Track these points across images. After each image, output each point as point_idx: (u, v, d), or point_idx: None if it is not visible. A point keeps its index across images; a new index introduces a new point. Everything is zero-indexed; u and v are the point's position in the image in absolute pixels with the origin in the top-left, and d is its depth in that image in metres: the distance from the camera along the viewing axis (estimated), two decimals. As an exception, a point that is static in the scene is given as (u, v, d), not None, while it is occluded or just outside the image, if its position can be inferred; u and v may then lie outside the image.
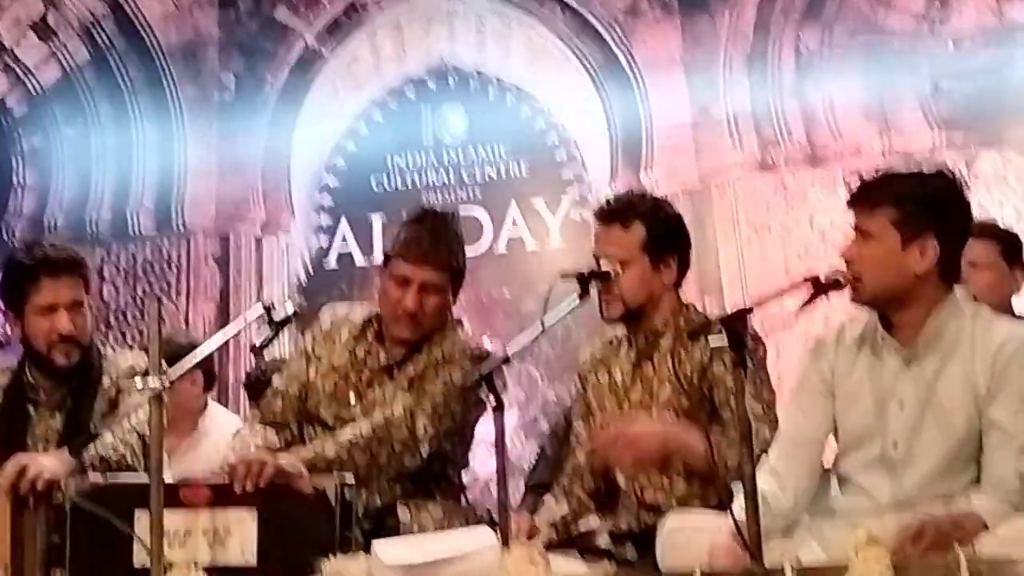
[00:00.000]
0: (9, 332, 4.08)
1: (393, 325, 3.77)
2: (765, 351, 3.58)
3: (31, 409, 3.84)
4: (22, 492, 3.29)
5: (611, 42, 7.08)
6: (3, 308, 3.97)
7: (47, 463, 3.37)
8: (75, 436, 3.71)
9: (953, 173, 3.19)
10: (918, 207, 3.07)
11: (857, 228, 3.12)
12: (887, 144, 6.65)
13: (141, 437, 3.61)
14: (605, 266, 3.59)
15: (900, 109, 6.68)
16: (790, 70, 6.89)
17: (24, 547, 3.27)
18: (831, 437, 3.26)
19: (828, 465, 3.29)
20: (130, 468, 3.57)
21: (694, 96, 6.93)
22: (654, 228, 3.65)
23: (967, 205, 3.16)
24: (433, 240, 3.77)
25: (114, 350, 3.97)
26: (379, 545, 3.04)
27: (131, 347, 4.81)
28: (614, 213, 3.69)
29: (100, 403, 3.81)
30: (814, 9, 6.93)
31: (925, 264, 3.06)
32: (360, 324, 3.87)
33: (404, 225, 3.86)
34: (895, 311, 3.12)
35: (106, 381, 3.84)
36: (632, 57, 7.03)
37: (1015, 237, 4.37)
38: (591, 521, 3.59)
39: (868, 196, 3.13)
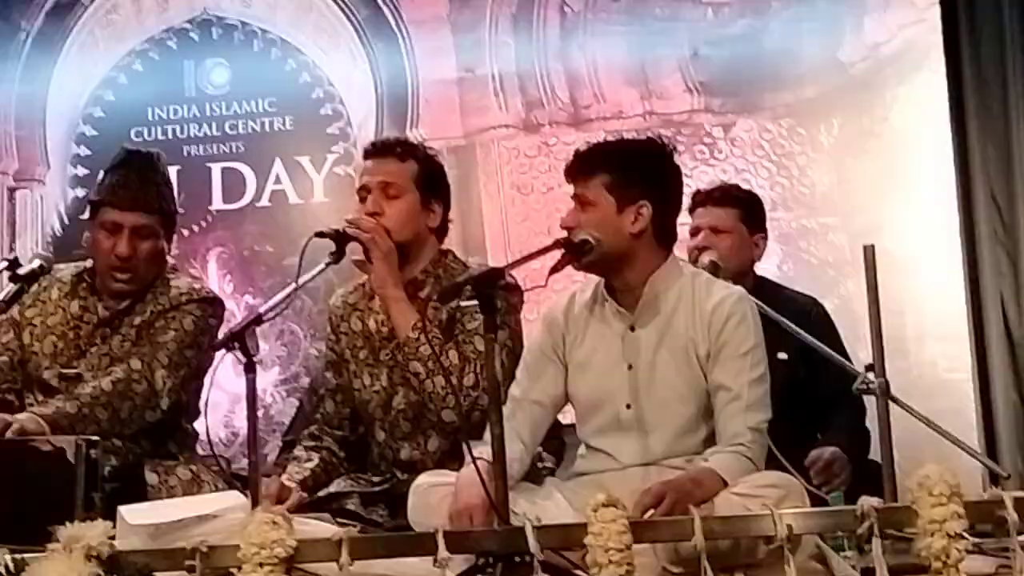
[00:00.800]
0: None
1: (107, 276, 3.70)
2: (521, 300, 3.62)
3: None
4: None
5: (378, -1, 7.05)
6: None
7: None
8: None
9: (664, 141, 3.35)
10: (630, 173, 3.22)
11: (576, 197, 3.24)
12: (648, 107, 6.76)
13: None
14: (374, 198, 3.58)
15: (661, 73, 6.79)
16: (555, 32, 6.94)
17: None
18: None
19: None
20: None
21: (460, 56, 6.93)
22: (426, 168, 3.69)
23: (677, 171, 3.33)
24: (141, 183, 3.72)
25: None
26: (124, 509, 2.99)
27: None
28: (389, 147, 3.72)
29: None
30: (579, -29, 6.99)
31: (639, 226, 3.18)
32: (70, 281, 3.78)
33: (109, 171, 3.80)
34: (616, 275, 3.23)
35: None
36: (399, 14, 6.99)
37: (756, 202, 4.51)
38: (341, 483, 3.60)
39: (584, 165, 3.26)
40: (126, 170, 3.75)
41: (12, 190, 7.04)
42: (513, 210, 6.75)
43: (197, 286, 3.86)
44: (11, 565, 2.32)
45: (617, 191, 3.21)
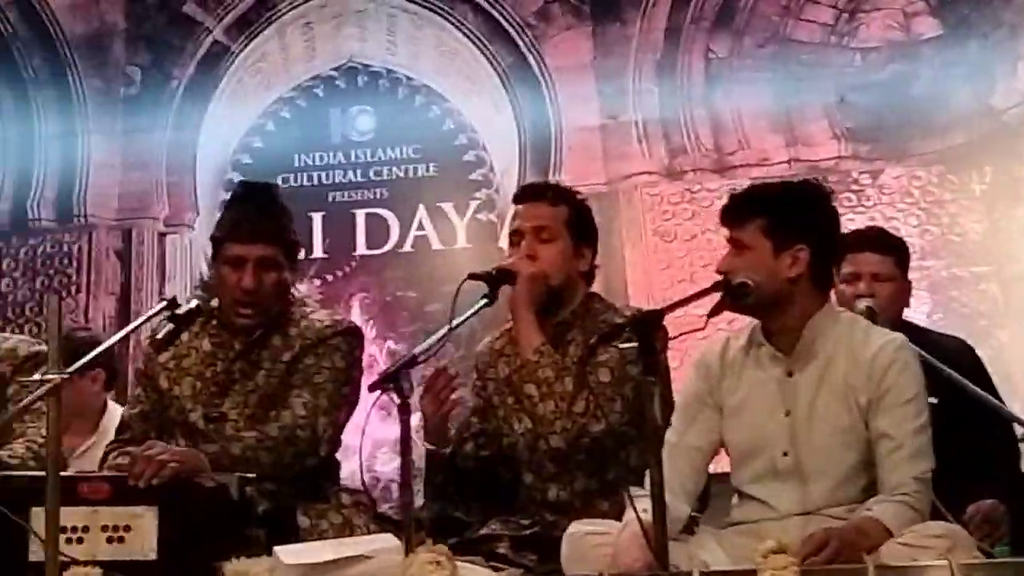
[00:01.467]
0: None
1: (233, 310, 3.70)
2: (666, 344, 3.57)
3: None
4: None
5: (522, 45, 7.08)
6: None
7: None
8: None
9: (820, 184, 3.30)
10: (788, 216, 3.16)
11: (732, 240, 3.19)
12: (793, 154, 6.71)
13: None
14: (528, 242, 3.58)
15: (806, 119, 6.75)
16: (699, 78, 6.93)
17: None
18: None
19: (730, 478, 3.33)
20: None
21: (604, 102, 6.95)
22: (578, 212, 3.67)
23: (835, 214, 3.26)
24: (260, 215, 3.71)
25: None
26: (279, 550, 3.00)
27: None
28: (541, 191, 3.71)
29: None
30: (724, 18, 6.97)
31: (797, 270, 3.12)
32: (197, 321, 3.80)
33: (228, 207, 3.81)
34: (773, 318, 3.18)
35: None
36: (543, 61, 7.03)
37: (906, 247, 4.42)
38: (492, 526, 3.58)
39: (741, 208, 3.21)
40: (244, 204, 3.76)
41: (162, 235, 7.18)
42: (655, 257, 6.72)
43: (338, 317, 3.86)
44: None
45: (775, 234, 3.15)
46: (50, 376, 2.92)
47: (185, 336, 3.72)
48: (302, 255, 6.80)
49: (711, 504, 3.61)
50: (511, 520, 3.61)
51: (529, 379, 3.51)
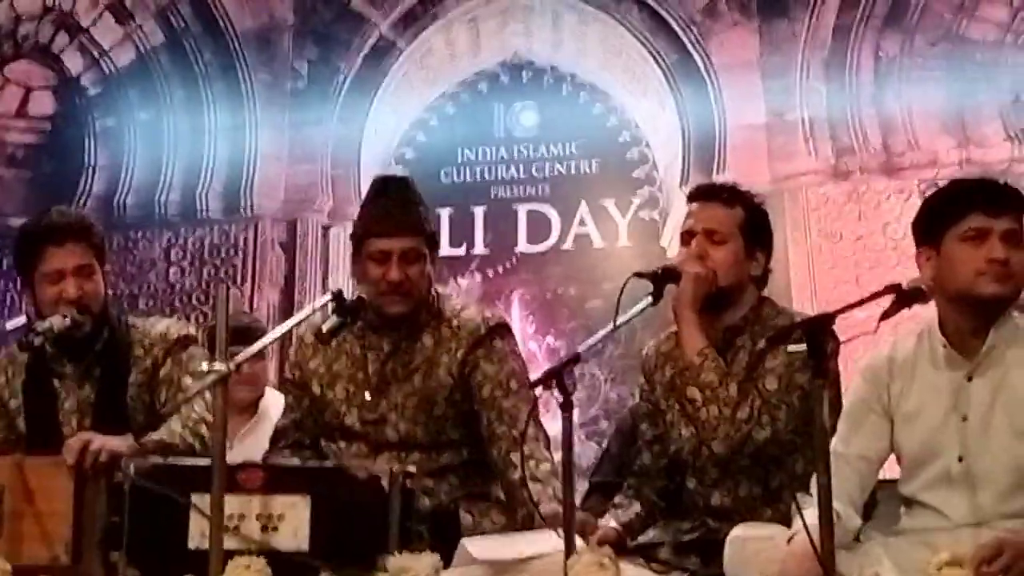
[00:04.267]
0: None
1: (383, 303, 3.68)
2: (837, 350, 3.49)
3: (56, 383, 3.82)
4: (85, 466, 3.26)
5: (687, 43, 7.02)
6: (17, 275, 3.95)
7: (110, 441, 3.35)
8: (110, 407, 3.69)
9: None
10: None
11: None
12: (964, 155, 6.55)
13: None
14: (699, 242, 3.52)
15: (979, 120, 6.59)
16: (868, 77, 6.81)
17: (85, 527, 3.24)
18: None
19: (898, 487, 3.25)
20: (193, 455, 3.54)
21: (769, 100, 6.87)
22: (753, 215, 3.60)
23: None
24: (402, 208, 3.70)
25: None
26: (467, 541, 3.01)
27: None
28: (715, 191, 3.63)
29: (136, 374, 3.79)
30: (895, 17, 6.83)
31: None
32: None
33: (367, 202, 3.80)
34: (953, 321, 3.09)
35: (139, 350, 3.82)
36: (708, 59, 6.96)
37: None
38: (652, 533, 3.54)
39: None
40: (385, 198, 3.76)
41: (326, 228, 7.27)
42: (820, 258, 6.62)
43: (487, 314, 3.84)
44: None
45: None
46: (218, 366, 2.94)
47: (333, 341, 3.74)
48: (463, 250, 7.00)
49: (877, 512, 3.53)
50: (671, 526, 3.57)
51: (692, 382, 3.45)
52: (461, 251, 7.01)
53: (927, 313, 3.17)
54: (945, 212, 3.13)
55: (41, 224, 3.78)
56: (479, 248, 7.04)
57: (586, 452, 6.19)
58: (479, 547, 2.98)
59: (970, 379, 3.07)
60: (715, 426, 3.40)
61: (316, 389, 3.78)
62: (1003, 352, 3.06)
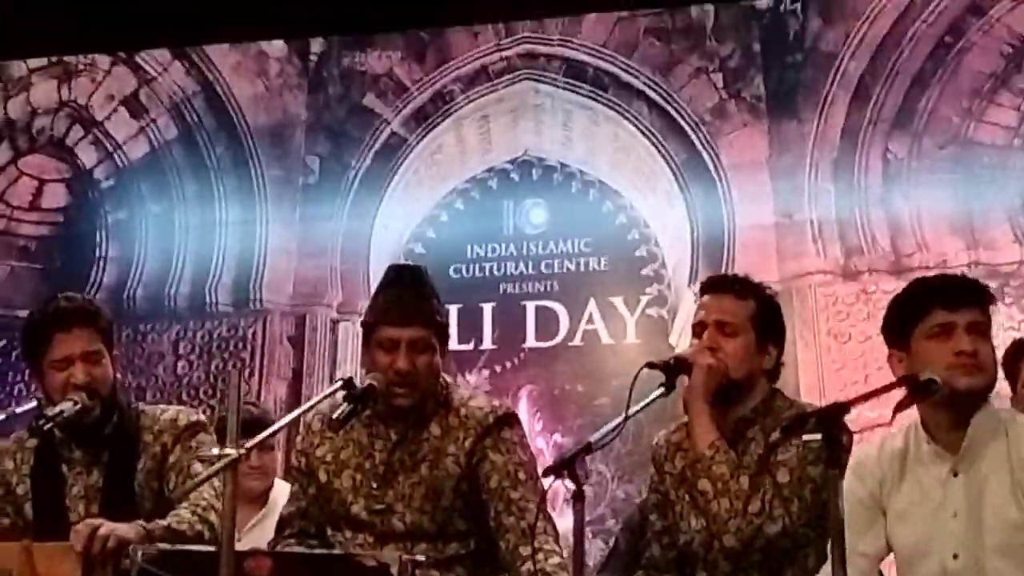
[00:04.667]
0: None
1: (388, 392, 3.68)
2: (851, 442, 3.48)
3: (64, 469, 3.81)
4: (93, 552, 3.24)
5: (697, 142, 7.07)
6: (26, 364, 3.95)
7: (118, 527, 3.33)
8: (118, 493, 3.68)
9: None
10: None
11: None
12: (973, 257, 6.57)
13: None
14: (710, 334, 3.52)
15: (988, 222, 6.61)
16: (877, 179, 6.85)
17: (92, 612, 3.22)
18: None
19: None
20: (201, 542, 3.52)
21: (778, 200, 6.90)
22: (764, 308, 3.61)
23: None
24: (414, 298, 3.71)
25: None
26: None
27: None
28: (728, 284, 3.65)
29: (144, 460, 3.78)
30: (903, 119, 6.89)
31: None
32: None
33: (379, 291, 3.81)
34: (950, 416, 3.10)
35: (148, 436, 3.81)
36: (717, 158, 7.01)
37: None
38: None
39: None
40: (396, 287, 3.77)
41: (335, 322, 7.28)
42: (828, 358, 6.62)
43: (495, 403, 3.85)
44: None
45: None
46: (228, 451, 2.93)
47: (341, 430, 3.73)
48: (471, 346, 6.99)
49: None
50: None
51: (704, 475, 3.44)
52: (469, 347, 7.01)
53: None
54: (908, 312, 3.18)
55: (48, 311, 3.79)
56: (487, 343, 7.04)
57: (593, 549, 6.12)
58: None
59: (956, 474, 3.08)
60: (726, 519, 3.38)
61: (323, 477, 3.77)
62: (984, 445, 3.07)
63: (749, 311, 3.58)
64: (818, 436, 2.71)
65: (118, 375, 3.94)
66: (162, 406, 4.00)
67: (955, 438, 3.11)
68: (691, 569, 3.57)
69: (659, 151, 7.09)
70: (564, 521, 3.96)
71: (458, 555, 3.69)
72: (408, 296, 3.72)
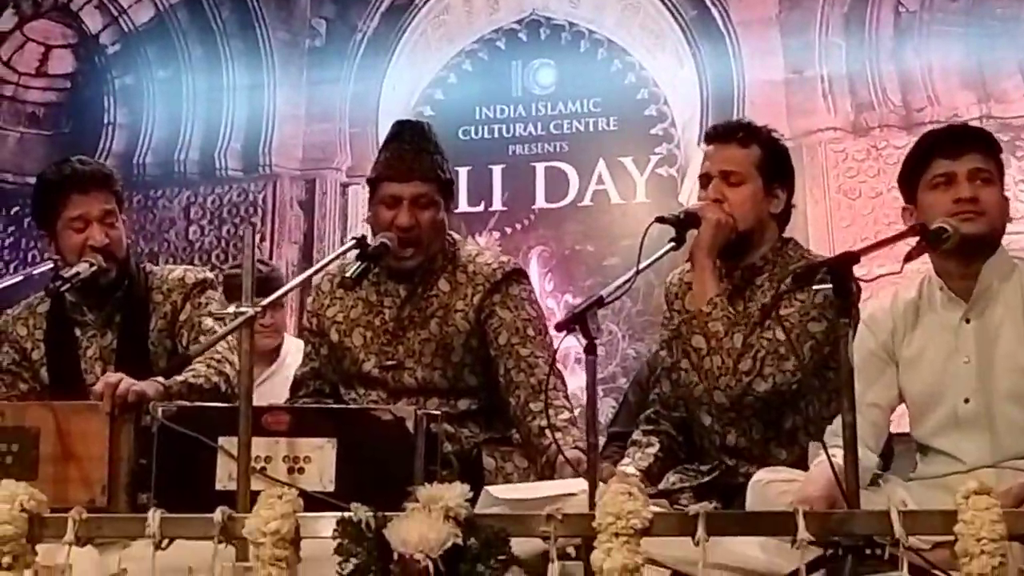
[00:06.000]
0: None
1: (395, 252, 3.69)
2: (859, 295, 3.50)
3: (78, 332, 3.85)
4: (114, 404, 3.28)
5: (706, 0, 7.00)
6: (37, 227, 3.98)
7: (138, 382, 3.37)
8: (132, 353, 3.74)
9: None
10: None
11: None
12: (985, 110, 6.52)
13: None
14: (715, 185, 3.52)
15: (999, 75, 6.55)
16: (888, 33, 6.77)
17: (118, 469, 3.27)
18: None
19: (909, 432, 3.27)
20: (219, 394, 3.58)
21: (789, 56, 6.84)
22: (770, 152, 3.61)
23: None
24: (415, 153, 3.72)
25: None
26: (490, 488, 3.04)
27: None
28: (731, 131, 3.65)
29: (156, 319, 3.82)
30: (915, -29, 6.81)
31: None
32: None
33: (383, 147, 3.81)
34: (962, 263, 3.12)
35: (158, 296, 3.85)
36: (727, 15, 6.94)
37: None
38: (671, 478, 3.55)
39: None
40: (398, 143, 3.77)
41: (345, 185, 7.28)
42: (838, 214, 6.61)
43: (504, 259, 3.86)
44: (372, 522, 2.36)
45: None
46: (244, 308, 2.96)
47: (352, 289, 3.76)
48: (481, 207, 6.99)
49: (894, 464, 3.55)
50: (690, 469, 3.58)
51: (699, 331, 3.47)
52: (479, 208, 7.01)
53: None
54: (914, 165, 3.20)
55: (64, 171, 3.81)
56: (497, 205, 7.03)
57: (604, 407, 6.16)
58: (503, 492, 3.01)
59: (968, 321, 3.10)
60: (717, 376, 3.41)
61: (334, 337, 3.81)
62: (996, 291, 3.09)
63: (754, 158, 3.58)
64: (828, 286, 2.73)
65: (128, 239, 3.97)
66: (169, 266, 4.04)
67: (966, 285, 3.13)
68: (694, 412, 3.61)
69: (668, 8, 7.01)
70: (574, 380, 4.01)
71: (470, 410, 3.74)
72: (410, 152, 3.72)
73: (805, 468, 3.06)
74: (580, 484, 2.91)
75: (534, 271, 6.78)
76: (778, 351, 3.37)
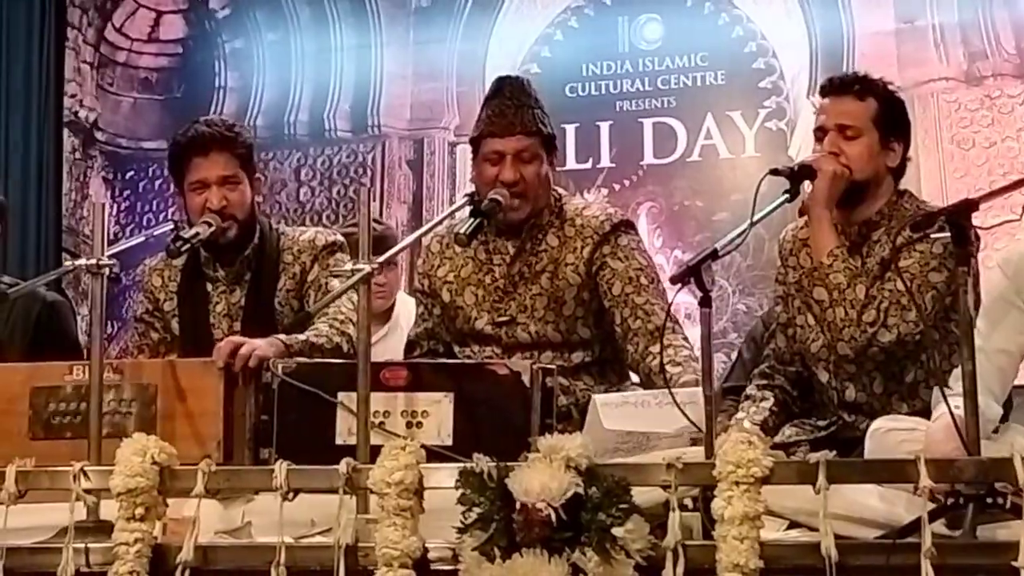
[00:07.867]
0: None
1: (503, 207, 3.70)
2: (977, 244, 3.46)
3: (209, 287, 3.93)
4: (235, 368, 3.35)
5: (815, -50, 6.91)
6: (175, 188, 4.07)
7: (259, 344, 3.44)
8: (259, 311, 3.81)
9: None
10: None
11: None
12: (1103, 57, 6.40)
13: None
14: (831, 139, 3.50)
15: (1118, 21, 6.42)
16: (1002, -22, 6.65)
17: (235, 425, 3.33)
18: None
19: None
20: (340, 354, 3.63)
21: (899, 6, 6.73)
22: (887, 105, 3.58)
23: None
24: (516, 107, 3.74)
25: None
26: (599, 399, 3.05)
27: None
28: (847, 84, 3.62)
29: (284, 279, 3.89)
30: (1029, -84, 6.67)
31: None
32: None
33: (485, 103, 3.84)
34: None
35: (288, 257, 3.91)
36: (836, -35, 6.85)
37: None
38: (787, 431, 3.55)
39: None
40: (499, 99, 3.80)
41: (453, 144, 7.31)
42: (952, 165, 6.52)
43: (611, 210, 3.89)
44: (494, 473, 2.40)
45: None
46: (361, 266, 3.01)
47: (458, 248, 3.78)
48: (589, 164, 6.99)
49: (1012, 415, 3.51)
50: (806, 423, 3.58)
51: (821, 283, 3.45)
52: (587, 165, 7.00)
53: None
54: None
55: (187, 135, 3.89)
56: (604, 162, 7.02)
57: (715, 363, 6.18)
58: (610, 414, 3.02)
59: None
60: (841, 328, 3.40)
61: (446, 296, 3.85)
62: None
63: (870, 111, 3.55)
64: (946, 234, 2.71)
65: (259, 198, 4.03)
66: (301, 228, 4.11)
67: None
68: (812, 367, 3.60)
69: (776, -40, 6.94)
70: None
71: (584, 363, 3.77)
72: (511, 107, 3.76)
73: (928, 419, 3.04)
74: (682, 419, 2.93)
75: (643, 227, 6.76)
76: (900, 302, 3.36)
